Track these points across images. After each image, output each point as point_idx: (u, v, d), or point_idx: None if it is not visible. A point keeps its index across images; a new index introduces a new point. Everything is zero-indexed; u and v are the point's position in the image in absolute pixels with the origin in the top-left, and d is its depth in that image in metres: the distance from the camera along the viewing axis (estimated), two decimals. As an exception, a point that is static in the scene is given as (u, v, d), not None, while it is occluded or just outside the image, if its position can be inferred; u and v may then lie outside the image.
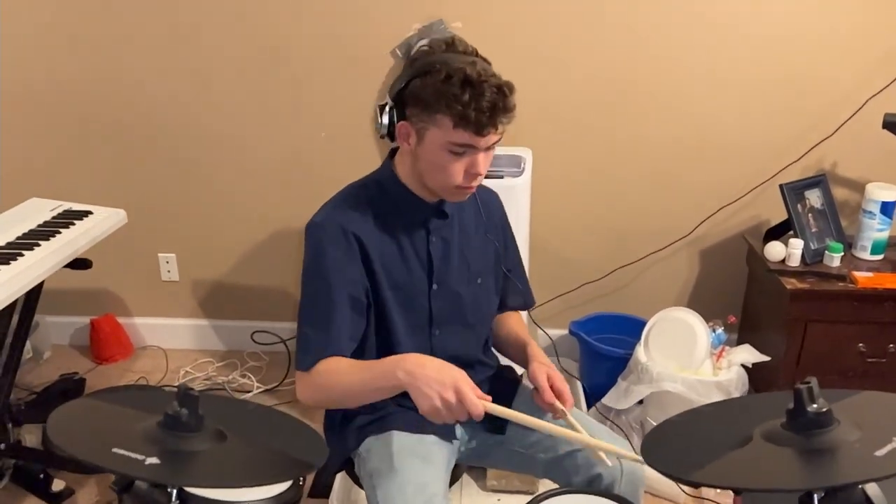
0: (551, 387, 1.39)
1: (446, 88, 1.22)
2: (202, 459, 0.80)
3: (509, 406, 1.52)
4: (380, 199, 1.40)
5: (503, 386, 1.56)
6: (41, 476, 2.16)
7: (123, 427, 0.83)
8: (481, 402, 1.19)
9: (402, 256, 1.40)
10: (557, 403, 1.37)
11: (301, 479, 1.23)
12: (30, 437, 2.32)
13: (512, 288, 1.61)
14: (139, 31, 2.46)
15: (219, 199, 2.68)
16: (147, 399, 0.91)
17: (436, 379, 1.19)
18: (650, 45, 2.35)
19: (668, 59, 2.36)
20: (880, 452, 0.71)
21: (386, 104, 1.33)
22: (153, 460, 0.75)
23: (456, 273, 1.45)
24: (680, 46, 2.35)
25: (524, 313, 1.79)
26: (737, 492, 0.80)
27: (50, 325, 2.88)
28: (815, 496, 0.71)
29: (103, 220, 2.12)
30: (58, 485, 2.16)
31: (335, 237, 1.34)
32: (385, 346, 1.41)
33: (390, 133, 1.33)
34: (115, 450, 0.76)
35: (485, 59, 1.30)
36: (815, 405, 0.77)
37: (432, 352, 1.46)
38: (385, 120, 1.32)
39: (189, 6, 2.42)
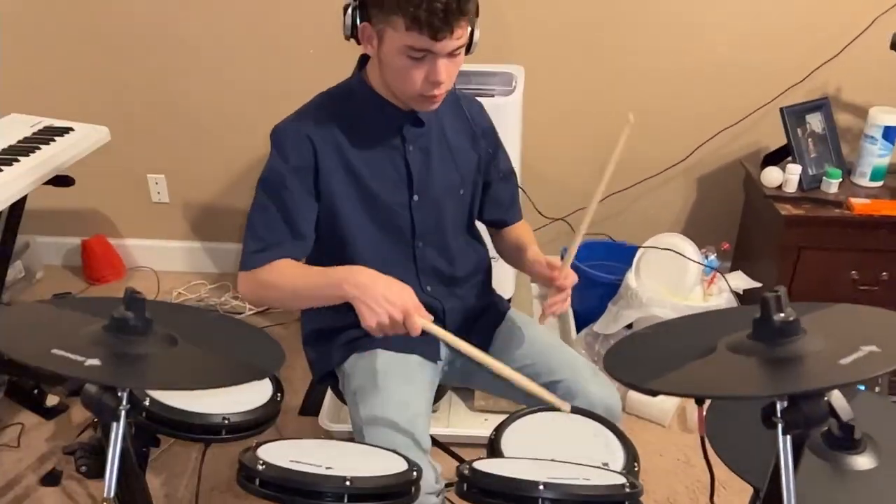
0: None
1: None
2: (149, 362, 0.78)
3: (491, 336, 1.53)
4: (350, 107, 1.35)
5: (492, 315, 1.55)
6: (34, 391, 2.19)
7: (68, 330, 0.81)
8: (421, 322, 1.18)
9: (377, 166, 1.36)
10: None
11: (279, 395, 1.24)
12: (22, 354, 2.35)
13: (511, 197, 1.57)
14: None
15: (208, 120, 2.62)
16: (98, 306, 0.89)
17: (385, 297, 1.19)
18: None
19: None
20: (845, 361, 0.69)
21: (349, 4, 1.27)
22: (93, 361, 0.74)
23: (437, 183, 1.41)
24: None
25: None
26: (699, 402, 0.79)
27: (41, 245, 2.88)
28: (778, 405, 0.70)
29: (85, 137, 2.09)
30: (51, 400, 2.19)
31: (293, 144, 1.31)
32: (361, 259, 1.37)
33: (354, 35, 1.28)
34: (54, 350, 0.74)
35: None
36: (782, 314, 0.75)
37: (415, 264, 1.44)
38: (348, 21, 1.26)
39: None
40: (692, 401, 2.25)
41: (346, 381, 1.45)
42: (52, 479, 1.94)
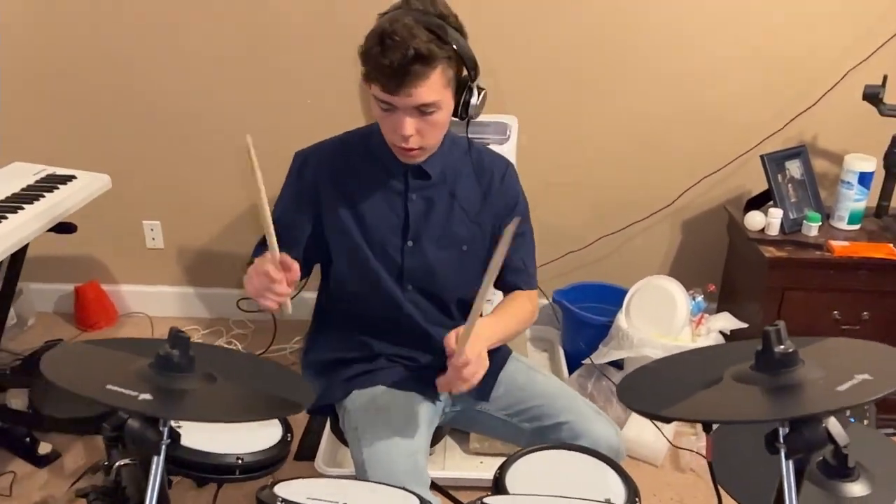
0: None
1: (367, 42, 1.25)
2: (193, 397, 0.82)
3: (494, 381, 1.53)
4: (361, 150, 1.45)
5: (496, 360, 1.56)
6: (27, 439, 2.17)
7: (115, 367, 0.85)
8: (274, 275, 1.22)
9: (377, 208, 1.44)
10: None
11: (289, 435, 1.26)
12: (15, 401, 2.33)
13: (512, 263, 1.52)
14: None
15: (204, 166, 2.67)
16: (137, 346, 0.93)
17: (255, 270, 1.26)
18: (635, 17, 2.36)
19: (652, 31, 2.38)
20: (842, 388, 0.74)
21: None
22: (146, 396, 0.78)
23: (436, 234, 1.46)
24: (665, 17, 2.36)
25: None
26: (707, 430, 0.84)
27: (34, 292, 2.88)
28: (780, 431, 0.75)
29: (87, 185, 2.12)
30: (44, 448, 2.17)
31: (299, 169, 1.46)
32: (348, 286, 1.49)
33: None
34: (108, 386, 0.78)
35: (456, 27, 1.27)
36: (782, 346, 0.80)
37: (403, 305, 1.49)
38: (360, 72, 1.33)
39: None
40: (683, 441, 2.28)
41: (346, 418, 1.47)
42: (46, 527, 1.92)
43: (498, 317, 1.47)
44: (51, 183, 2.08)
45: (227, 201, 2.72)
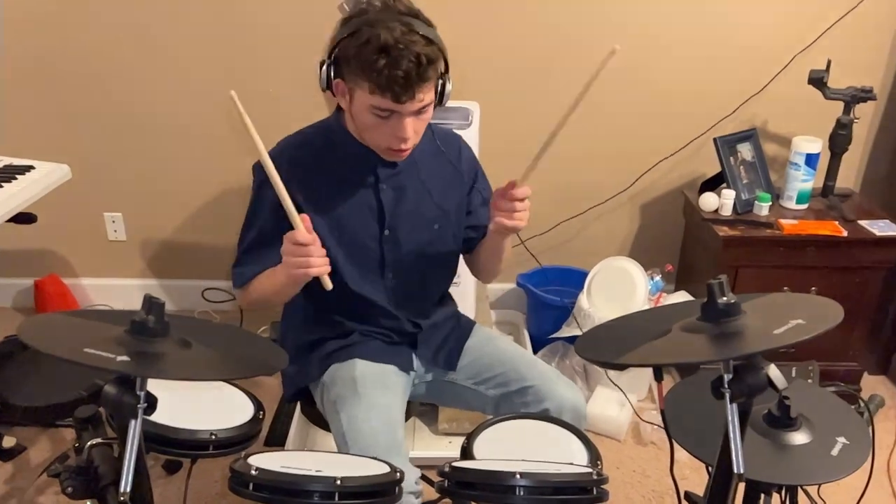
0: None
1: (364, 54, 1.23)
2: (170, 359, 0.85)
3: (460, 350, 1.61)
4: (326, 147, 1.44)
5: (461, 330, 1.64)
6: (-9, 433, 2.15)
7: (92, 334, 0.86)
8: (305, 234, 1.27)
9: (350, 203, 1.45)
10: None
11: (261, 413, 1.29)
12: (-24, 396, 2.30)
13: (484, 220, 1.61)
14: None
15: (165, 156, 2.65)
16: (113, 316, 0.95)
17: (287, 251, 1.30)
18: (590, 5, 2.42)
19: (607, 19, 2.44)
20: (778, 331, 0.80)
21: (324, 61, 1.34)
22: (123, 357, 0.80)
23: (410, 219, 1.50)
24: (619, 6, 2.42)
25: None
26: (658, 377, 0.90)
27: (-9, 286, 2.83)
28: (725, 377, 0.81)
29: (47, 175, 2.09)
30: (8, 441, 2.15)
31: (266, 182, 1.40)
32: (341, 291, 1.46)
33: (329, 88, 1.36)
34: (86, 349, 0.80)
35: (427, 21, 1.30)
36: (724, 297, 0.86)
37: (386, 294, 1.52)
38: (323, 76, 1.33)
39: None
40: (644, 415, 2.35)
41: (324, 392, 1.50)
42: (12, 520, 1.91)
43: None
44: (8, 173, 2.05)
45: (190, 191, 2.71)
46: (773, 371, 0.82)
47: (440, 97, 1.35)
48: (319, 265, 1.29)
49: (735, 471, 0.78)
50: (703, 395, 0.90)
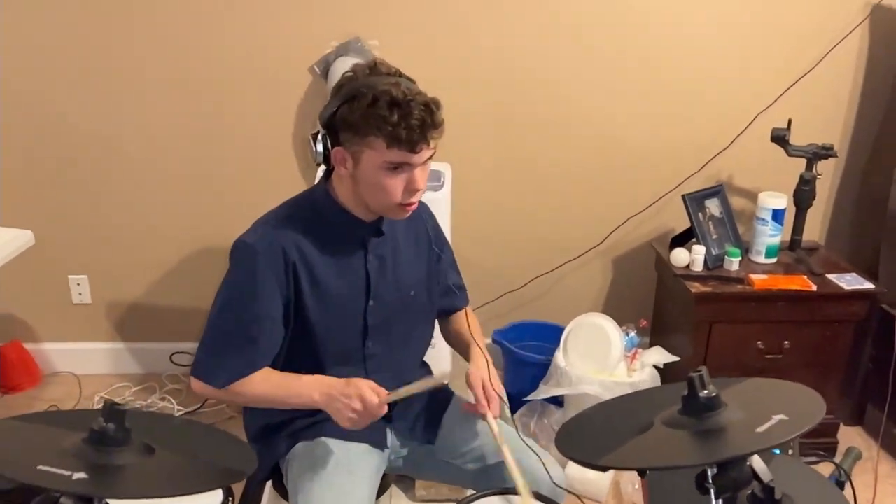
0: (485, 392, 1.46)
1: (375, 111, 1.25)
2: (131, 472, 0.80)
3: (439, 423, 1.57)
4: (315, 220, 1.41)
5: (437, 402, 1.61)
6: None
7: (46, 445, 0.81)
8: (379, 401, 1.30)
9: (340, 276, 1.42)
10: (486, 412, 1.44)
11: (230, 499, 1.24)
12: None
13: (454, 289, 1.67)
14: (49, 43, 2.39)
15: (131, 218, 2.62)
16: (69, 419, 0.90)
17: (342, 393, 1.30)
18: (559, 65, 2.47)
19: (577, 75, 2.49)
20: (761, 429, 0.79)
21: (318, 132, 1.34)
22: (80, 475, 0.75)
23: (391, 288, 1.49)
24: (586, 65, 2.47)
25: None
26: (642, 474, 0.88)
27: (-51, 354, 2.73)
28: (709, 472, 0.79)
29: (9, 242, 2.05)
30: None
31: (266, 260, 1.35)
32: (315, 361, 1.43)
33: (325, 159, 1.35)
34: (40, 467, 0.75)
35: (409, 78, 1.34)
36: (705, 391, 0.85)
37: (364, 362, 1.49)
38: (319, 147, 1.33)
39: (102, 22, 2.37)
40: (625, 476, 2.33)
41: (288, 471, 1.46)
42: None
43: (478, 339, 1.60)
44: (-31, 242, 2.00)
45: (156, 252, 2.67)
46: (758, 463, 0.81)
47: None
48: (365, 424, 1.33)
49: (723, 569, 0.75)
50: (685, 481, 0.88)
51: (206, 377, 1.38)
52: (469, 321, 1.66)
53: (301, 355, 1.43)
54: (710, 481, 0.79)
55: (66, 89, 2.44)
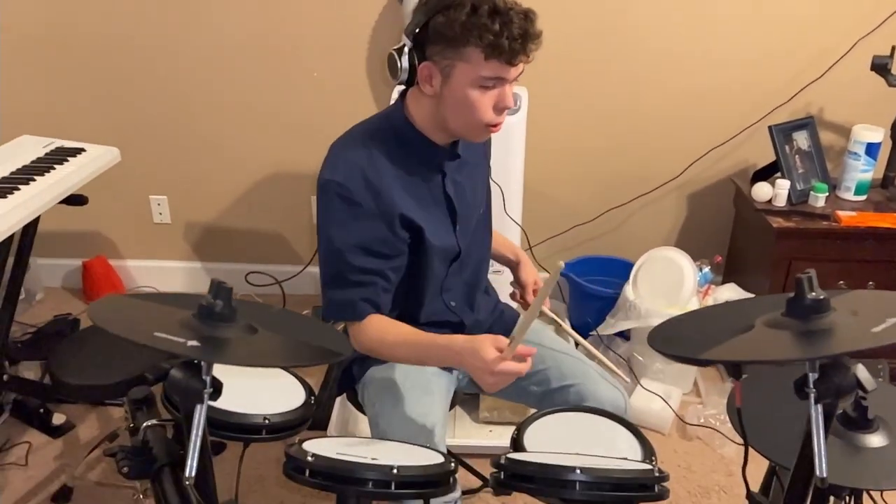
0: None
1: (475, 20, 1.20)
2: (238, 345, 0.84)
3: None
4: (394, 144, 1.36)
5: (504, 322, 1.62)
6: (41, 410, 2.19)
7: (160, 318, 0.86)
8: (513, 362, 1.19)
9: (424, 201, 1.39)
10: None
11: (312, 398, 1.28)
12: (27, 373, 2.35)
13: None
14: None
15: (210, 141, 2.67)
16: (179, 300, 0.95)
17: (472, 367, 1.22)
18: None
19: (657, 8, 2.37)
20: (876, 329, 0.76)
21: (403, 46, 1.28)
22: (194, 343, 0.79)
23: (469, 209, 1.48)
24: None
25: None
26: (737, 376, 0.86)
27: (41, 267, 2.88)
28: (810, 377, 0.77)
29: (97, 158, 2.12)
30: (58, 418, 2.20)
31: (361, 195, 1.30)
32: (416, 283, 1.44)
33: (410, 77, 1.30)
34: (157, 333, 0.79)
35: None
36: (813, 292, 0.82)
37: (442, 284, 1.48)
38: (405, 63, 1.28)
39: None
40: (690, 408, 2.30)
41: (365, 394, 1.49)
42: (62, 496, 1.94)
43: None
44: (60, 155, 2.08)
45: (234, 175, 2.72)
46: (862, 371, 0.78)
47: None
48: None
49: (818, 474, 0.74)
50: (771, 393, 0.86)
51: (342, 312, 1.36)
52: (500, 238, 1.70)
53: (407, 279, 1.42)
54: (811, 385, 0.77)
55: (149, 13, 2.47)
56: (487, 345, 1.20)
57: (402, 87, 1.37)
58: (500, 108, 1.29)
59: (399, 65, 1.29)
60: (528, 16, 1.24)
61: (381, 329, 1.35)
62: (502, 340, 1.20)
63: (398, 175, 1.35)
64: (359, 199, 1.30)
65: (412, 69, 1.29)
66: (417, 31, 1.26)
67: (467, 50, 1.22)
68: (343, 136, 1.39)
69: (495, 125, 1.32)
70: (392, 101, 1.98)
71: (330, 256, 1.34)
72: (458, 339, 1.27)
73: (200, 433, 0.78)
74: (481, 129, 1.32)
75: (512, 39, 1.21)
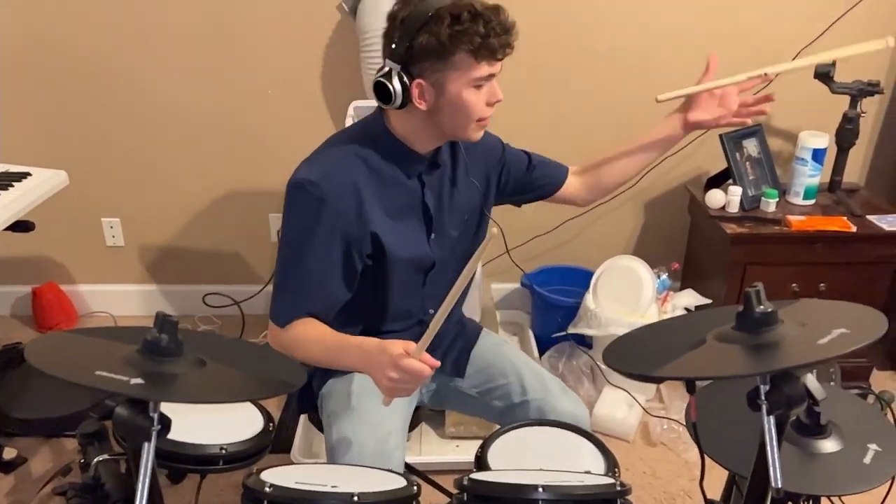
0: None
1: (459, 28, 1.22)
2: (184, 380, 0.81)
3: (468, 357, 1.58)
4: (374, 153, 1.36)
5: (467, 337, 1.61)
6: (-9, 445, 2.11)
7: (103, 354, 0.83)
8: (417, 360, 1.16)
9: (400, 210, 1.40)
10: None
11: (271, 424, 1.26)
12: (-25, 407, 2.26)
13: (552, 166, 1.72)
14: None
15: (163, 161, 2.62)
16: (121, 334, 0.92)
17: (375, 365, 1.21)
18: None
19: (613, 10, 2.41)
20: (822, 341, 0.78)
21: (390, 70, 1.27)
22: (137, 380, 0.76)
23: (448, 218, 1.47)
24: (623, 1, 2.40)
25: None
26: (691, 390, 0.87)
27: (-12, 295, 2.80)
28: (762, 389, 0.78)
29: (44, 182, 2.07)
30: (9, 453, 2.12)
31: (333, 196, 1.30)
32: (379, 293, 1.43)
33: (405, 98, 1.28)
34: (98, 372, 0.76)
35: None
36: (762, 306, 0.83)
37: (423, 291, 1.48)
38: (397, 87, 1.26)
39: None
40: (653, 416, 2.32)
41: (323, 406, 1.48)
42: (15, 533, 1.88)
43: None
44: (5, 181, 2.02)
45: (188, 195, 2.68)
46: (811, 381, 0.80)
47: None
48: (410, 392, 1.22)
49: (773, 485, 0.75)
50: (727, 403, 0.87)
51: (273, 317, 1.36)
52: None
53: (370, 289, 1.42)
54: (763, 397, 0.78)
55: (95, 33, 2.42)
56: (396, 343, 1.19)
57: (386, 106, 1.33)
58: (491, 103, 1.33)
59: (392, 89, 1.27)
60: (499, 10, 1.27)
61: (301, 328, 1.35)
62: (412, 346, 1.18)
63: (373, 182, 1.36)
64: (332, 208, 1.30)
65: (405, 91, 1.28)
66: (404, 50, 1.25)
67: (456, 58, 1.25)
68: (323, 148, 1.40)
69: (485, 119, 1.35)
70: (349, 117, 1.96)
71: (285, 261, 1.36)
72: (370, 340, 1.27)
73: (149, 471, 0.75)
74: (475, 127, 1.35)
75: (497, 36, 1.25)
